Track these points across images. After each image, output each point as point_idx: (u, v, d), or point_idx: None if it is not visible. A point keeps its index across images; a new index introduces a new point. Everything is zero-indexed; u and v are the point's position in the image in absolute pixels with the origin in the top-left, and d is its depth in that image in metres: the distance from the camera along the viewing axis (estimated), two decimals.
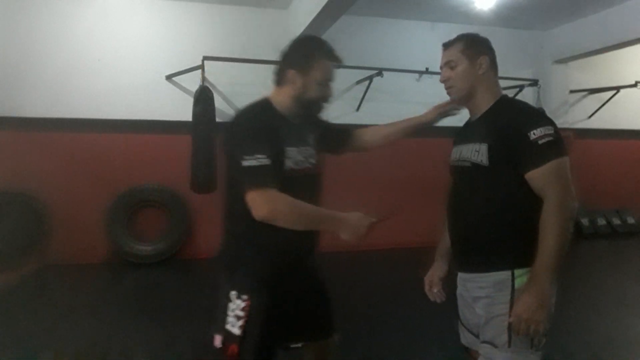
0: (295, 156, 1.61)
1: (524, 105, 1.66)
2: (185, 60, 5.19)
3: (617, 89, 6.55)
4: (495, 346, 1.51)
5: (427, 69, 5.89)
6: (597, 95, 6.80)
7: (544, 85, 6.32)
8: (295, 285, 1.67)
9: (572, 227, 1.46)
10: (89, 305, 3.93)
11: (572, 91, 6.77)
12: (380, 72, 5.46)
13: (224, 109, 5.55)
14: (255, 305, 1.56)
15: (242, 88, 5.63)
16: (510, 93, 6.39)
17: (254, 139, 1.52)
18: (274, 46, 6.31)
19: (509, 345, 1.47)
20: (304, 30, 4.99)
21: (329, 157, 1.88)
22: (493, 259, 1.54)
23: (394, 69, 5.59)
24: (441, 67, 1.73)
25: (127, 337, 3.19)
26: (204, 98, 4.85)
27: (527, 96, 6.43)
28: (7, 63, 4.98)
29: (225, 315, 1.62)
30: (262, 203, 1.47)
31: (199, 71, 4.94)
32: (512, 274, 1.50)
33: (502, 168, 1.51)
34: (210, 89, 5.02)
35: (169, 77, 5.37)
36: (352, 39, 5.92)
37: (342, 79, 5.81)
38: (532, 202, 1.47)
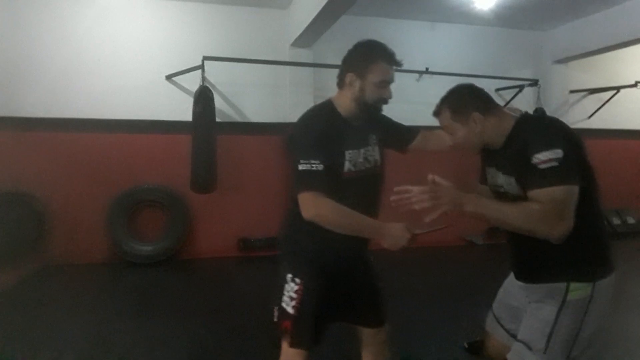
0: (355, 158, 1.73)
1: (536, 126, 1.61)
2: (185, 60, 5.20)
3: (617, 89, 6.55)
4: (529, 348, 1.54)
5: (427, 69, 5.89)
6: (597, 95, 6.80)
7: (544, 85, 6.32)
8: (346, 275, 1.81)
9: (530, 233, 1.48)
10: (89, 305, 3.94)
11: (572, 91, 6.77)
12: None
13: (224, 109, 5.56)
14: (307, 289, 1.72)
15: (242, 88, 5.64)
16: (510, 93, 6.41)
17: (313, 144, 1.64)
18: (274, 46, 6.39)
19: (545, 352, 1.51)
20: (304, 30, 5.00)
21: None
22: (553, 271, 1.56)
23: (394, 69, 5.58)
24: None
25: (127, 337, 3.19)
26: (204, 98, 4.85)
27: (527, 96, 6.44)
28: (7, 63, 4.98)
29: (282, 294, 1.79)
30: (310, 206, 1.61)
31: (199, 71, 4.94)
32: (567, 286, 1.53)
33: None
34: (210, 89, 5.02)
35: (169, 77, 5.37)
36: (352, 39, 5.89)
37: None
38: (583, 215, 1.46)
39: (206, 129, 4.84)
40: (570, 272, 1.52)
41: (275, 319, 1.82)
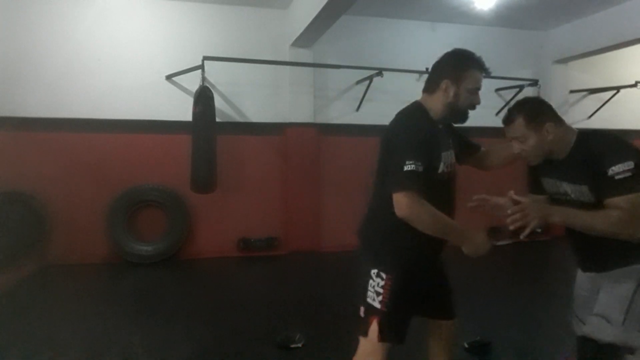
0: (447, 159, 1.86)
1: (605, 141, 1.79)
2: (185, 60, 5.20)
3: (617, 89, 6.55)
4: (608, 321, 1.68)
5: (427, 69, 5.87)
6: (597, 95, 6.80)
7: (544, 85, 6.32)
8: (426, 272, 1.93)
9: (612, 235, 1.65)
10: (89, 305, 3.93)
11: (572, 91, 6.78)
12: (380, 72, 5.46)
13: (224, 109, 5.56)
14: (395, 283, 1.80)
15: (242, 88, 5.64)
16: (510, 93, 6.41)
17: (417, 146, 1.73)
18: (274, 46, 6.39)
19: (622, 324, 1.66)
20: (304, 30, 5.00)
21: None
22: (626, 257, 1.73)
23: (394, 69, 5.59)
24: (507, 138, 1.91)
25: (127, 337, 3.19)
26: (204, 98, 4.85)
27: (527, 96, 6.44)
28: (7, 63, 4.98)
29: (366, 290, 1.85)
30: (407, 205, 1.69)
31: (199, 71, 4.94)
32: None
33: None
34: (210, 89, 5.02)
35: (169, 77, 5.37)
36: (352, 39, 5.92)
37: (342, 79, 5.83)
38: None
39: (206, 129, 4.84)
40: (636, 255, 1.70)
41: (362, 315, 1.87)
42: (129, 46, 5.32)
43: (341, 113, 5.90)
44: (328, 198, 5.83)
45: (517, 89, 6.29)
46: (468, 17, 5.90)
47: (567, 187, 1.83)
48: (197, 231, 5.53)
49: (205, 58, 4.90)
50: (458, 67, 1.90)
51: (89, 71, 5.19)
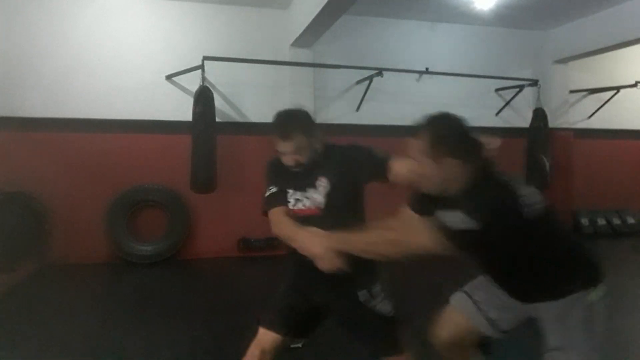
0: (301, 197, 1.93)
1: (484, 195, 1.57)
2: (185, 60, 5.19)
3: (617, 89, 6.55)
4: (569, 350, 1.63)
5: (427, 69, 5.89)
6: (597, 95, 6.80)
7: (544, 85, 6.32)
8: (308, 283, 1.94)
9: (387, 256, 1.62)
10: (89, 305, 3.94)
11: (572, 91, 6.77)
12: (380, 72, 5.45)
13: (224, 109, 5.56)
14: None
15: (242, 88, 5.64)
16: (510, 93, 6.42)
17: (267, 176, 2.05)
18: (274, 46, 6.38)
19: (582, 349, 1.61)
20: (304, 30, 5.00)
21: None
22: (567, 286, 1.65)
23: (394, 69, 5.59)
24: None
25: (127, 337, 3.18)
26: (204, 98, 4.85)
27: (527, 96, 6.44)
28: (7, 63, 4.98)
29: None
30: (271, 222, 1.95)
31: (199, 71, 4.94)
32: (584, 292, 1.61)
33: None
34: (210, 89, 5.02)
35: (169, 77, 5.37)
36: (352, 39, 5.92)
37: (342, 79, 5.82)
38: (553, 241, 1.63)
39: (206, 129, 4.84)
40: (580, 283, 1.61)
41: None
42: (129, 46, 5.31)
43: (341, 113, 5.90)
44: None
45: (517, 89, 6.29)
46: (468, 17, 5.90)
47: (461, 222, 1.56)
48: (197, 231, 5.53)
49: (205, 58, 4.90)
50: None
51: (89, 71, 5.18)
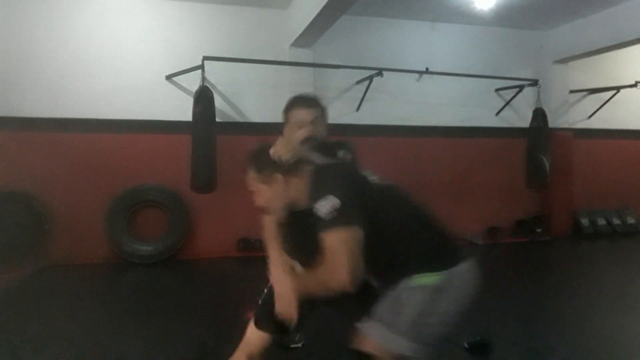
0: None
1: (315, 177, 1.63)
2: (185, 60, 5.19)
3: (617, 89, 6.55)
4: (381, 324, 1.59)
5: (427, 69, 5.88)
6: (597, 95, 6.80)
7: (544, 85, 6.31)
8: None
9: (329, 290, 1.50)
10: (89, 305, 3.93)
11: (572, 91, 6.77)
12: (380, 72, 5.45)
13: (224, 109, 5.56)
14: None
15: (242, 88, 5.64)
16: (510, 93, 6.42)
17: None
18: (274, 46, 6.38)
19: (394, 326, 1.56)
20: (304, 30, 5.00)
21: None
22: (400, 273, 1.62)
23: (394, 69, 5.59)
24: None
25: (127, 337, 3.18)
26: (204, 98, 4.85)
27: (527, 96, 6.44)
28: (7, 63, 4.98)
29: None
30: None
31: (199, 71, 4.94)
32: (414, 278, 1.56)
33: None
34: (210, 89, 5.02)
35: (169, 77, 5.37)
36: (352, 39, 5.92)
37: (342, 79, 5.82)
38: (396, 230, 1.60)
39: (206, 129, 4.84)
40: (413, 269, 1.56)
41: None
42: (129, 46, 5.31)
43: (341, 113, 5.89)
44: None
45: (517, 89, 6.29)
46: (468, 17, 5.90)
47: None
48: (197, 231, 5.53)
49: (205, 58, 4.90)
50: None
51: (88, 71, 5.18)
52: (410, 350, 1.52)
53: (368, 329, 1.59)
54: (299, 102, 1.95)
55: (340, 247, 1.43)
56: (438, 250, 1.62)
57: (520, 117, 6.56)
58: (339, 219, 1.43)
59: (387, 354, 1.55)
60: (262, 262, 2.05)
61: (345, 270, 1.42)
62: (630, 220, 6.96)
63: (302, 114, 1.89)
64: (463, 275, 1.61)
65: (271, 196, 1.73)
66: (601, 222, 6.84)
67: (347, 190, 1.50)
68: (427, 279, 1.53)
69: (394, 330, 1.53)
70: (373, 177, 1.67)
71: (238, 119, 5.65)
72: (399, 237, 1.59)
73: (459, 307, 1.63)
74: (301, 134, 1.88)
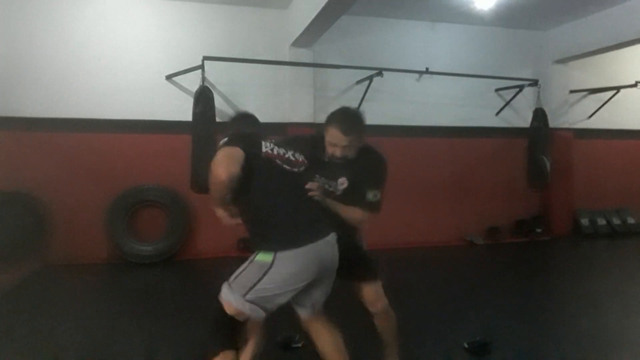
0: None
1: None
2: (185, 60, 5.19)
3: (617, 89, 6.55)
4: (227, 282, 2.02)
5: (427, 69, 5.88)
6: (597, 95, 6.81)
7: (544, 85, 6.32)
8: None
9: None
10: (89, 305, 3.93)
11: (572, 91, 6.78)
12: (380, 72, 5.45)
13: (224, 109, 5.55)
14: None
15: (242, 88, 5.64)
16: (510, 93, 6.42)
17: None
18: (274, 46, 6.38)
19: (229, 284, 2.01)
20: (304, 30, 5.00)
21: None
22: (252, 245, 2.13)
23: (394, 69, 5.59)
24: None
25: (127, 337, 3.19)
26: (204, 98, 4.85)
27: (527, 96, 6.45)
28: (7, 63, 4.98)
29: None
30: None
31: (199, 71, 4.93)
32: (256, 253, 2.01)
33: None
34: (210, 89, 5.02)
35: (169, 77, 5.37)
36: (352, 39, 5.92)
37: (342, 79, 5.82)
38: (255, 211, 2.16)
39: (206, 129, 4.84)
40: (257, 246, 2.00)
41: None
42: (129, 46, 5.32)
43: None
44: None
45: (517, 89, 6.29)
46: (468, 17, 5.90)
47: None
48: (197, 231, 5.53)
49: (205, 58, 4.90)
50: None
51: (88, 71, 5.19)
52: (248, 309, 1.90)
53: (222, 289, 2.00)
54: (339, 123, 2.13)
55: (219, 154, 2.05)
56: (279, 234, 1.95)
57: (520, 117, 6.56)
58: (227, 142, 2.04)
59: (231, 310, 1.95)
60: None
61: (221, 168, 2.04)
62: (630, 220, 6.96)
63: (338, 138, 2.08)
64: (298, 258, 1.88)
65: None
66: (601, 222, 6.84)
67: (240, 137, 2.09)
68: (260, 257, 1.93)
69: (235, 292, 1.93)
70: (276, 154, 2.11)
71: None
72: (261, 215, 2.05)
73: (296, 283, 1.90)
74: (333, 152, 2.12)
